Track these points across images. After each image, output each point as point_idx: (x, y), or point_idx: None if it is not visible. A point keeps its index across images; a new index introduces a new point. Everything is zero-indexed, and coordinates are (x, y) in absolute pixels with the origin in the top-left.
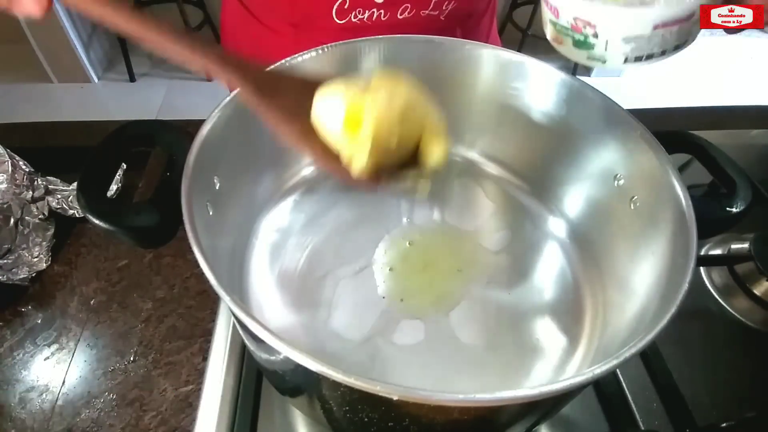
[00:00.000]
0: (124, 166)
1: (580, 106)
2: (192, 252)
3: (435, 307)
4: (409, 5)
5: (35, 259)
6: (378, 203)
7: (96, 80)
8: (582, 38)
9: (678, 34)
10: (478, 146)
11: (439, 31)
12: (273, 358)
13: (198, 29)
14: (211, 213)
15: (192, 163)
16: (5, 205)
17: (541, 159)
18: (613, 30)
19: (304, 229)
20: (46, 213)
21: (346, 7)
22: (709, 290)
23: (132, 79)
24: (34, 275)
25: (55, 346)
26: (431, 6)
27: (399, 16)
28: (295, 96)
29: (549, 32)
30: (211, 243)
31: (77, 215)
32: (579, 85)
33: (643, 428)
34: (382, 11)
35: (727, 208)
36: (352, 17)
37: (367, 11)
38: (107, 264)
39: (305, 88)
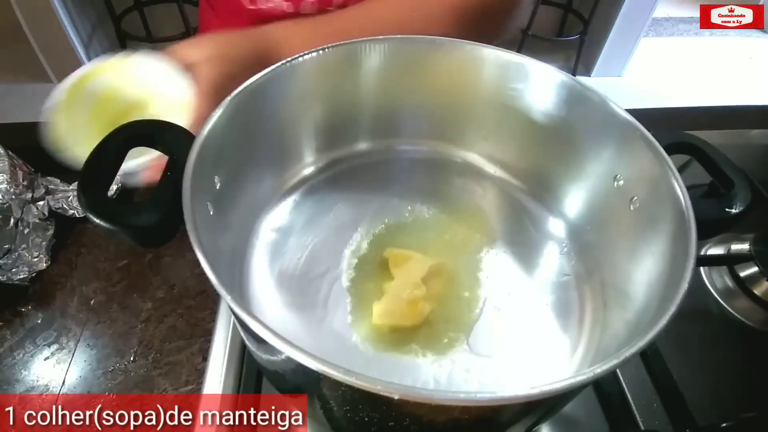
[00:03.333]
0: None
1: (580, 106)
2: (192, 252)
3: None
4: None
5: (35, 259)
6: (378, 204)
7: None
8: None
9: None
10: (478, 147)
11: None
12: (273, 357)
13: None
14: (211, 213)
15: (192, 163)
16: (5, 205)
17: (541, 159)
18: None
19: (304, 229)
20: (46, 213)
21: None
22: (709, 290)
23: None
24: (34, 275)
25: (55, 346)
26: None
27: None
28: None
29: None
30: (212, 243)
31: (77, 215)
32: (579, 86)
33: (643, 428)
34: (286, 3)
35: (727, 209)
36: (260, 4)
37: (271, 1)
38: (107, 264)
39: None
